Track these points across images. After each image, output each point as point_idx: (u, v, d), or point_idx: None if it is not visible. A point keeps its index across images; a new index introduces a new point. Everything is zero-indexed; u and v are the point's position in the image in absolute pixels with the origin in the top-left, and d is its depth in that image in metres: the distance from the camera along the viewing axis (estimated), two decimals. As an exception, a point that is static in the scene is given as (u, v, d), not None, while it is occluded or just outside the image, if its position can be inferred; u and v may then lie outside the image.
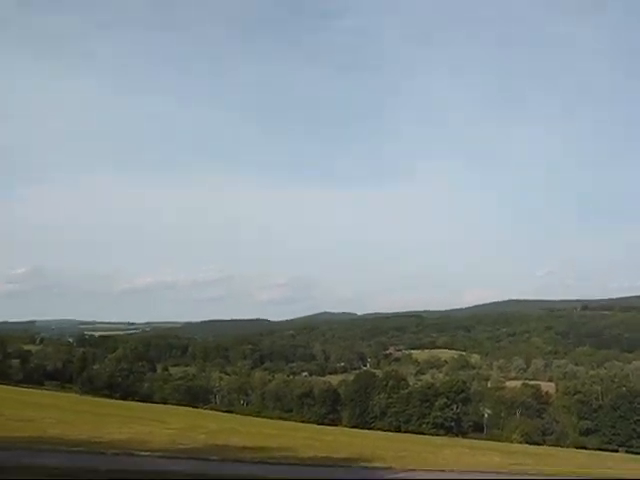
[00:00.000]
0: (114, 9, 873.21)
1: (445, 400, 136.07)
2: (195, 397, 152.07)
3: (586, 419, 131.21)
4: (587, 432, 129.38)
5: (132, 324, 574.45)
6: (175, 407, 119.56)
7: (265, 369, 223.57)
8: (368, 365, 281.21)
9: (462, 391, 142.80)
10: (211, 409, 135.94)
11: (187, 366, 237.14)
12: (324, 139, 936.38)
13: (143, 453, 29.63)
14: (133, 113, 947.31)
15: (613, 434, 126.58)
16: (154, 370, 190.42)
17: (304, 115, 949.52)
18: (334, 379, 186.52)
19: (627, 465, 61.49)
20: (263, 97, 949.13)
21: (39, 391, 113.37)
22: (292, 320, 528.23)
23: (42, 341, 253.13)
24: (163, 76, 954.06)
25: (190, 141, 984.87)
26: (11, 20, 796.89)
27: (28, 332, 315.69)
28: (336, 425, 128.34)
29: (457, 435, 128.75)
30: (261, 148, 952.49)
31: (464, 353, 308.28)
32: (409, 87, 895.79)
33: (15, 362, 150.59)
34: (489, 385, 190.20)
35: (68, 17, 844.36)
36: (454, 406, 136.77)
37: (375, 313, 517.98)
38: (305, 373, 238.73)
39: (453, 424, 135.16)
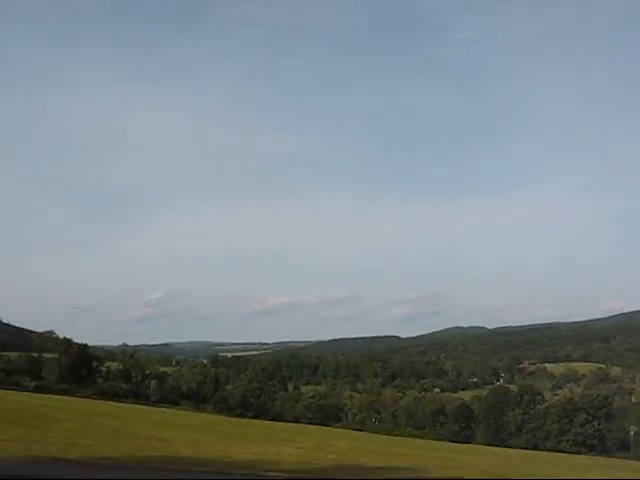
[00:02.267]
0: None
1: (586, 416, 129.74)
2: (326, 415, 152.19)
3: None
4: None
5: (264, 344, 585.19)
6: (305, 426, 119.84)
7: (396, 386, 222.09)
8: (501, 380, 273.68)
9: (604, 406, 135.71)
10: (342, 427, 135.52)
11: (318, 384, 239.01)
12: (441, 153, 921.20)
13: (271, 473, 29.23)
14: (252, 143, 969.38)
15: None
16: (285, 389, 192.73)
17: (420, 129, 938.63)
18: (466, 395, 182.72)
19: None
20: (376, 113, 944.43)
21: (174, 411, 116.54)
22: (422, 336, 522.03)
23: (177, 363, 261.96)
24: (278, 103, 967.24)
25: (307, 164, 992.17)
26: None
27: (163, 354, 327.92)
28: (470, 443, 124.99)
29: (601, 454, 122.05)
30: (379, 164, 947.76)
31: (603, 366, 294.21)
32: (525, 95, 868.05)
33: (152, 383, 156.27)
34: (633, 400, 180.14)
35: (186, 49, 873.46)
36: (595, 422, 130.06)
37: (506, 326, 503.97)
38: (437, 389, 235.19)
39: (596, 442, 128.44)
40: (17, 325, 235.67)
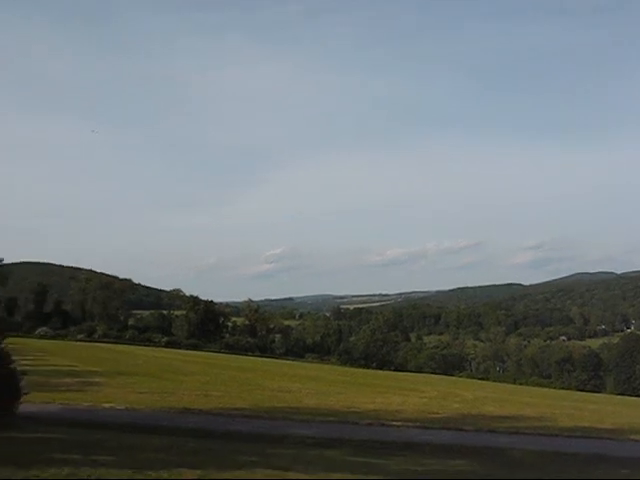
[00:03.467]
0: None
1: None
2: (449, 365, 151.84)
3: None
4: None
5: (385, 295, 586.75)
6: (429, 375, 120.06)
7: (520, 335, 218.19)
8: (632, 327, 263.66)
9: None
10: (466, 377, 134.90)
11: (440, 334, 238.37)
12: (564, 91, 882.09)
13: (395, 423, 29.43)
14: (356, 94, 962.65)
15: None
16: (408, 339, 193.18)
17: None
18: (595, 343, 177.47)
19: None
20: (486, 55, 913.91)
21: (299, 363, 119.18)
22: (546, 283, 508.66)
23: (301, 316, 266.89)
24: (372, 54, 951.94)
25: (422, 113, 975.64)
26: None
27: (287, 308, 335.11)
28: (599, 392, 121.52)
29: None
30: (497, 109, 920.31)
31: None
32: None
33: (277, 337, 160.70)
34: None
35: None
36: None
37: (637, 271, 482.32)
38: (563, 337, 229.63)
39: None
40: (148, 285, 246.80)
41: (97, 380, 40.02)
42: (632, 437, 30.98)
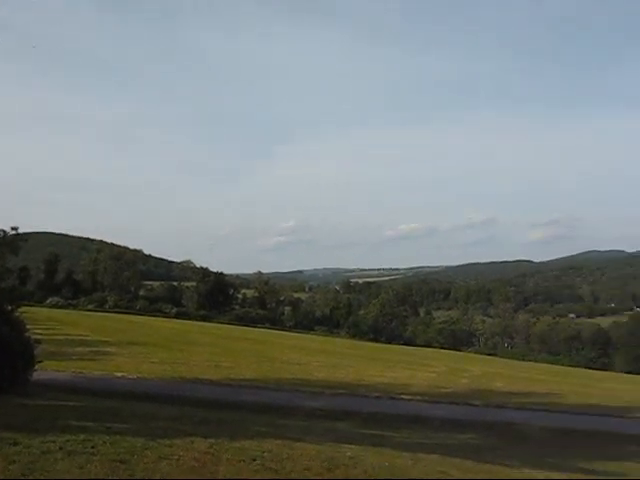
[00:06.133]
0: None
1: None
2: (458, 340, 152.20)
3: None
4: None
5: (395, 269, 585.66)
6: (438, 350, 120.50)
7: (529, 311, 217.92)
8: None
9: None
10: (474, 352, 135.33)
11: (449, 309, 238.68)
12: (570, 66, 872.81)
13: (404, 397, 29.66)
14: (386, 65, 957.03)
15: None
16: (417, 314, 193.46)
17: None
18: (604, 321, 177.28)
19: None
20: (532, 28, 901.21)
21: (309, 336, 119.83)
22: (556, 260, 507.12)
23: (310, 289, 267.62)
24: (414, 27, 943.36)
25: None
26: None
27: (297, 281, 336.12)
28: (607, 370, 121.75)
29: None
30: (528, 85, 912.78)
31: None
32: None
33: (287, 309, 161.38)
34: None
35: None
36: None
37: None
38: (572, 315, 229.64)
39: None
40: (159, 256, 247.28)
41: (109, 349, 40.38)
42: (640, 415, 31.17)
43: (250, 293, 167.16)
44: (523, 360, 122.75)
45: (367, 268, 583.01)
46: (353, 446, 11.44)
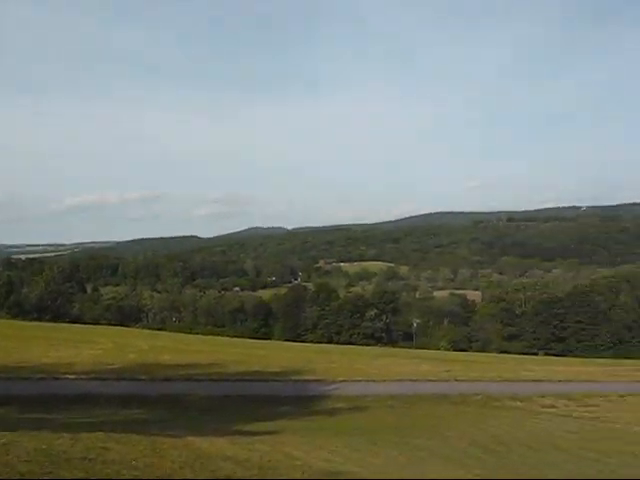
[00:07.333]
0: None
1: (375, 311, 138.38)
2: (126, 316, 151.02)
3: (510, 325, 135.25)
4: (510, 337, 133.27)
5: (61, 245, 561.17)
6: (105, 327, 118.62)
7: (196, 286, 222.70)
8: (299, 279, 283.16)
9: (392, 301, 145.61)
10: (143, 328, 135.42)
11: (117, 285, 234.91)
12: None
13: (69, 376, 29.18)
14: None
15: (534, 339, 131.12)
16: (84, 291, 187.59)
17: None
18: (266, 294, 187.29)
19: (545, 367, 64.12)
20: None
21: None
22: (222, 236, 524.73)
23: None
24: None
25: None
26: None
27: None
28: (269, 339, 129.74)
29: (387, 344, 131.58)
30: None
31: (393, 265, 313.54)
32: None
33: None
34: (417, 295, 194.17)
35: None
36: (384, 316, 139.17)
37: (305, 227, 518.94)
38: (237, 288, 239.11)
39: (383, 334, 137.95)
40: None
41: None
42: (294, 378, 34.19)
43: None
44: (190, 333, 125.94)
45: (32, 244, 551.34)
46: (7, 432, 11.12)
